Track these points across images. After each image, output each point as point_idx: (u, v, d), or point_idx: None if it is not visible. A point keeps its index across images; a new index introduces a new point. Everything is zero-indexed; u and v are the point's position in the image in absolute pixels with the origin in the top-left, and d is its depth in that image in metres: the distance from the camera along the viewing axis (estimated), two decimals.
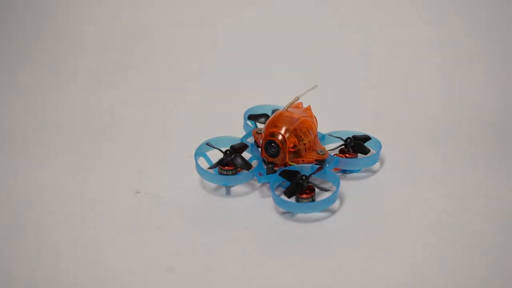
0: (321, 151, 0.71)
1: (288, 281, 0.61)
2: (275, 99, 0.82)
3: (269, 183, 0.70)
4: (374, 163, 0.72)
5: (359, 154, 0.73)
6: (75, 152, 0.77)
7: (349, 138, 0.73)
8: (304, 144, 0.70)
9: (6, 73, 0.92)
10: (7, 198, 0.70)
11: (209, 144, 0.72)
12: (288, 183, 0.69)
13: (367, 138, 0.73)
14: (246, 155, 0.72)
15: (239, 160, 0.70)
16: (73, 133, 0.81)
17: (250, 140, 0.74)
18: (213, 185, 0.71)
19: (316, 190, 0.68)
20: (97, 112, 0.85)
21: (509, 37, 0.94)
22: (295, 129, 0.69)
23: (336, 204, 0.68)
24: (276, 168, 0.70)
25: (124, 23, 0.99)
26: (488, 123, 0.81)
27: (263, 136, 0.70)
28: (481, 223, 0.66)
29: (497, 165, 0.74)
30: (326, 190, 0.68)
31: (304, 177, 0.67)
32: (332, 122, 0.79)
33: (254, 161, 0.72)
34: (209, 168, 0.71)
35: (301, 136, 0.70)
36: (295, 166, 0.69)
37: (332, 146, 0.75)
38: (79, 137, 0.80)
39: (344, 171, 0.73)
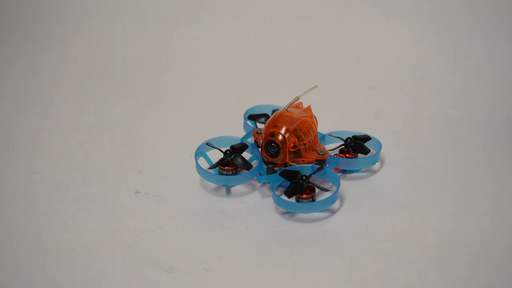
0: (321, 151, 0.71)
1: (287, 281, 0.61)
2: (275, 99, 0.82)
3: (269, 183, 0.70)
4: (374, 163, 0.72)
5: (359, 154, 0.73)
6: (75, 152, 0.77)
7: (349, 138, 0.73)
8: (304, 144, 0.70)
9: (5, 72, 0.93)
10: (6, 197, 0.70)
11: (209, 144, 0.72)
12: (288, 183, 0.69)
13: (367, 138, 0.73)
14: (246, 155, 0.72)
15: (239, 160, 0.70)
16: (73, 133, 0.81)
17: (250, 140, 0.74)
18: (213, 185, 0.71)
19: (316, 190, 0.68)
20: (96, 111, 0.85)
21: (506, 37, 0.94)
22: (295, 129, 0.69)
23: (336, 204, 0.68)
24: (276, 168, 0.70)
25: (122, 23, 0.99)
26: (489, 123, 0.81)
27: (263, 136, 0.70)
28: (482, 223, 0.66)
29: (498, 165, 0.74)
30: (326, 190, 0.68)
31: (304, 177, 0.67)
32: (332, 122, 0.79)
33: (254, 161, 0.72)
34: (209, 168, 0.71)
35: (301, 136, 0.70)
36: (295, 166, 0.69)
37: (332, 146, 0.75)
38: (79, 137, 0.80)
39: (344, 171, 0.73)
